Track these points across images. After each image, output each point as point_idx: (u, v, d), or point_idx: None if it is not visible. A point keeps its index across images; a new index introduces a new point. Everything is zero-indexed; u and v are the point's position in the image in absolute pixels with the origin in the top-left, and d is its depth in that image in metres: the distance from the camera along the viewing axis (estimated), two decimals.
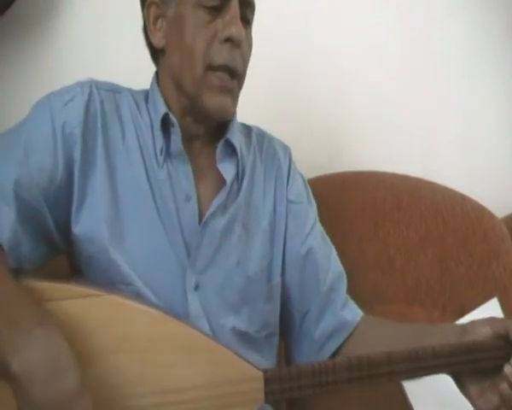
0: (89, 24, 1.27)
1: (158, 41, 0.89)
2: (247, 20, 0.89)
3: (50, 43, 1.26)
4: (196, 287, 0.86)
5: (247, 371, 0.75)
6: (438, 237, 1.24)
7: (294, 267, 0.96)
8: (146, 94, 0.93)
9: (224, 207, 0.89)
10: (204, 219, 0.87)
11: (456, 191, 1.30)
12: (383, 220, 1.24)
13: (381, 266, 1.22)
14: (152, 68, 0.94)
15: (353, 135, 1.42)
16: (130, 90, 0.93)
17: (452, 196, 1.29)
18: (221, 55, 0.84)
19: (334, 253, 1.01)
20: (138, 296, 0.81)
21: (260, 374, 0.75)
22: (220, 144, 0.90)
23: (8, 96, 1.24)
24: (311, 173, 1.24)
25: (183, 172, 0.88)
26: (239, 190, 0.93)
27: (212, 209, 0.88)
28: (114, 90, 0.91)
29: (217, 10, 0.85)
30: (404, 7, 1.42)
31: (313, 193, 1.04)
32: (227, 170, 0.90)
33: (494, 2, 1.45)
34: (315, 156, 1.36)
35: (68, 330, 0.70)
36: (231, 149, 0.91)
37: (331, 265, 0.98)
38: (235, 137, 0.92)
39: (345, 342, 0.95)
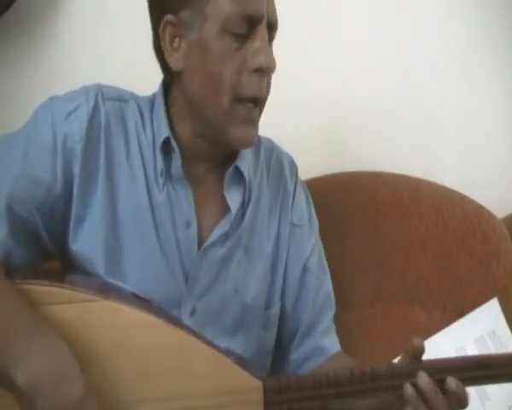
0: (88, 24, 1.27)
1: (175, 62, 0.83)
2: (271, 41, 0.85)
3: (50, 43, 1.26)
4: (192, 312, 0.85)
5: (247, 381, 0.74)
6: (438, 237, 1.23)
7: (292, 290, 0.95)
8: (152, 101, 0.89)
9: (225, 237, 0.87)
10: (203, 248, 0.85)
11: (456, 191, 1.30)
12: (383, 220, 1.24)
13: (381, 266, 1.22)
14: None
15: (353, 135, 1.42)
16: (137, 99, 0.89)
17: (452, 196, 1.29)
18: (251, 86, 0.80)
19: (328, 277, 0.99)
20: (139, 299, 0.80)
21: (260, 384, 0.74)
22: (229, 171, 0.87)
23: (8, 95, 1.24)
24: (312, 173, 1.24)
25: (184, 197, 0.85)
26: (243, 215, 0.90)
27: (212, 239, 0.86)
28: (121, 99, 0.87)
29: (244, 37, 0.80)
30: (404, 7, 1.42)
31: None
32: (233, 199, 0.87)
33: (494, 2, 1.45)
34: (315, 156, 1.35)
35: (64, 335, 0.69)
36: (239, 175, 0.89)
37: (322, 289, 0.97)
38: (245, 161, 0.89)
39: (317, 368, 0.93)
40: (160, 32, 0.83)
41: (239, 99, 0.80)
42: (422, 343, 0.75)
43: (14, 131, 0.83)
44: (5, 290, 0.70)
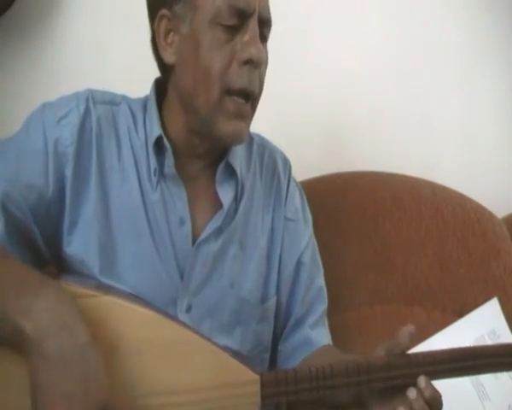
0: (88, 24, 1.27)
1: (168, 57, 0.84)
2: (264, 38, 0.85)
3: (50, 43, 1.26)
4: (188, 309, 0.85)
5: (244, 375, 0.75)
6: (438, 237, 1.23)
7: (286, 283, 0.96)
8: (144, 103, 0.90)
9: (218, 231, 0.88)
10: (197, 243, 0.86)
11: (456, 191, 1.30)
12: (383, 220, 1.24)
13: (381, 266, 1.22)
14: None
15: (353, 135, 1.42)
16: (128, 101, 0.90)
17: (452, 196, 1.29)
18: (240, 78, 0.80)
19: (320, 273, 1.00)
20: (135, 297, 0.80)
21: (257, 378, 0.74)
22: (221, 167, 0.88)
23: (8, 95, 1.24)
24: (311, 174, 1.24)
25: (178, 195, 0.86)
26: (236, 210, 0.91)
27: (205, 235, 0.86)
28: (112, 102, 0.88)
29: (235, 29, 0.81)
30: (404, 6, 1.42)
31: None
32: (225, 193, 0.88)
33: (494, 2, 1.45)
34: (315, 156, 1.36)
35: None
36: (231, 171, 0.90)
37: (314, 284, 0.98)
38: (236, 157, 0.90)
39: (304, 360, 0.93)
40: (155, 26, 0.85)
41: (228, 91, 0.81)
42: (407, 340, 0.75)
43: (8, 138, 0.84)
44: (9, 257, 0.73)
